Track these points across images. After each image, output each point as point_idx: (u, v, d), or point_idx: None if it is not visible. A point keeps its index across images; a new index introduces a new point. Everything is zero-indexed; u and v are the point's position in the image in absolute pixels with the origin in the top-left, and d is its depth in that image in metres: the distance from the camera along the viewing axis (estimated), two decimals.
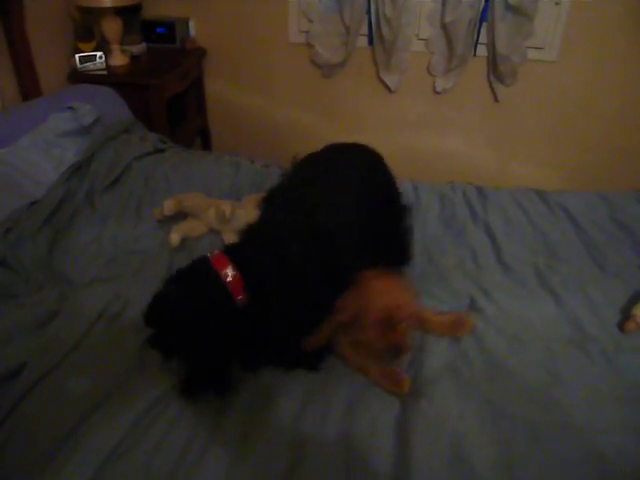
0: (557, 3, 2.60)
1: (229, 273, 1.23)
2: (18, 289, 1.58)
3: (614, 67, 2.73)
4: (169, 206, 1.93)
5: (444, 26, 2.71)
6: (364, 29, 2.85)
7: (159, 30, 3.04)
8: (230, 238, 1.80)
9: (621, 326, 1.49)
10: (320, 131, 3.28)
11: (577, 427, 1.21)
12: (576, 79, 2.80)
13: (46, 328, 1.45)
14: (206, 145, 3.52)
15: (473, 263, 1.82)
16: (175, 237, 1.84)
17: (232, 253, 1.28)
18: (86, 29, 2.82)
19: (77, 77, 2.70)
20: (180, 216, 1.97)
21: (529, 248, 1.88)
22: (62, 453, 1.13)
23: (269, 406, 1.27)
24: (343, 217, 1.41)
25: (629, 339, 1.46)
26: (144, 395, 1.27)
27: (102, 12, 2.67)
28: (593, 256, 1.84)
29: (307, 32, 2.95)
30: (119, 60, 2.82)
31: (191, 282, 1.24)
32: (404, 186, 2.20)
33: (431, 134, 3.14)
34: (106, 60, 2.77)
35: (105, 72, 2.73)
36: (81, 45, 2.78)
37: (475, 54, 2.81)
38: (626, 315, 1.51)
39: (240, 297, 1.23)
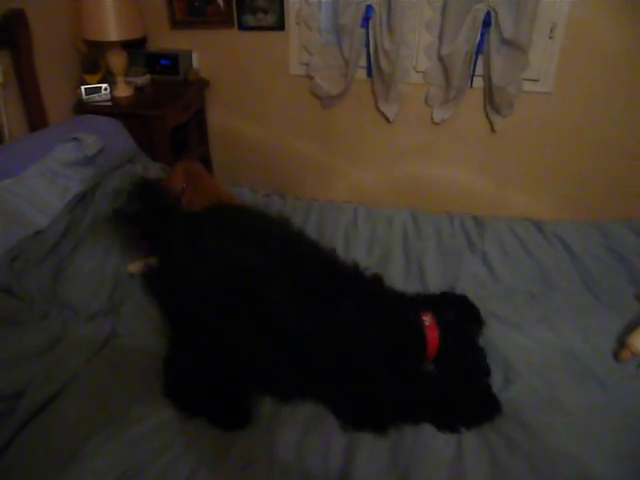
0: (551, 37, 2.67)
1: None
2: (23, 316, 1.59)
3: (608, 98, 2.78)
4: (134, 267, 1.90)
5: (441, 59, 2.77)
6: (363, 61, 2.91)
7: (163, 62, 3.11)
8: None
9: (616, 355, 1.51)
10: (320, 161, 3.34)
11: (570, 455, 1.22)
12: (571, 110, 2.86)
13: (50, 354, 1.47)
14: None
15: (471, 292, 1.83)
16: (133, 267, 1.87)
17: None
18: (92, 61, 2.89)
19: (83, 108, 2.75)
20: None
21: (525, 277, 1.90)
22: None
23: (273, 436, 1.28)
24: None
25: (624, 368, 1.48)
26: (145, 423, 1.29)
27: (108, 45, 2.74)
28: (588, 285, 1.86)
29: (307, 64, 3.02)
30: (124, 91, 2.87)
31: None
32: (403, 215, 2.23)
33: (429, 164, 3.18)
34: (111, 91, 2.83)
35: (110, 103, 2.79)
36: (87, 77, 2.85)
37: (472, 86, 2.87)
38: (621, 344, 1.53)
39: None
